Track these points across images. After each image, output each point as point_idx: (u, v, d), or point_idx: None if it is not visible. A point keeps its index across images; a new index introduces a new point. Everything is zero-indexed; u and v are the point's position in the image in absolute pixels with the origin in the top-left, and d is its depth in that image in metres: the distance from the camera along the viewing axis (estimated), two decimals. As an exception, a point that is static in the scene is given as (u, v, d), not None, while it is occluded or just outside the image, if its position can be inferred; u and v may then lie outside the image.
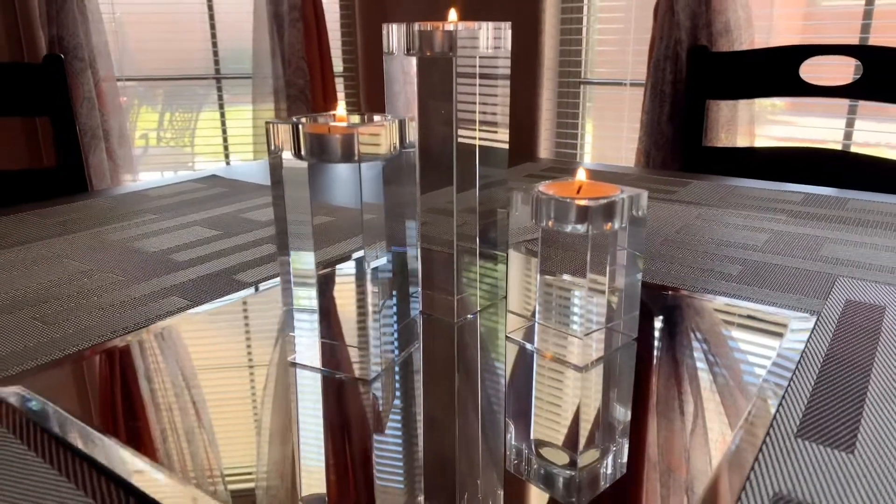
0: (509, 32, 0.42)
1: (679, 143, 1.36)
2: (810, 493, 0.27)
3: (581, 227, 0.36)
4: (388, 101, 0.43)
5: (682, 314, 0.45)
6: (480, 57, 0.40)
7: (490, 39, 0.41)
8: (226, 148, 2.22)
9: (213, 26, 2.07)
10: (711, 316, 0.45)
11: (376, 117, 0.37)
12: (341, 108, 0.36)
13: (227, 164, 2.29)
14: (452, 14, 0.42)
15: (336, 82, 2.00)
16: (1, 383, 0.36)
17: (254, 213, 0.72)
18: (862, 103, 1.43)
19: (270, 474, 0.29)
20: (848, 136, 1.41)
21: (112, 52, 1.82)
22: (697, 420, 0.33)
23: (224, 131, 2.18)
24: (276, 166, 0.35)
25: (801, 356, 0.39)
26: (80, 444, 0.31)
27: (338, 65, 2.09)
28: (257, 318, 0.46)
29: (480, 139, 0.42)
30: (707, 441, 0.31)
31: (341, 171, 0.34)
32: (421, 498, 0.27)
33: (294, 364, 0.38)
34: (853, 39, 1.42)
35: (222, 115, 2.16)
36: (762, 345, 0.41)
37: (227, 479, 0.28)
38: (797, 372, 0.37)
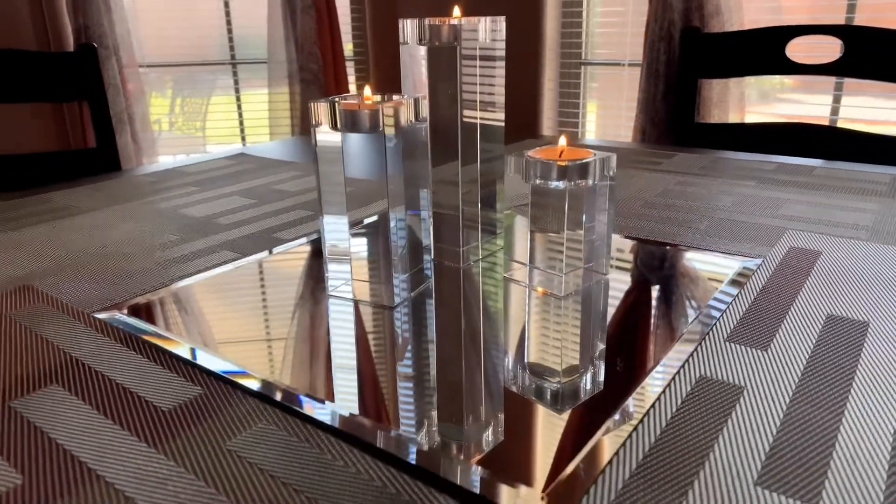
0: (504, 25, 0.51)
1: (673, 120, 1.43)
2: (729, 377, 0.37)
3: (561, 184, 0.45)
4: (403, 83, 0.52)
5: (649, 257, 0.54)
6: (480, 47, 0.49)
7: (488, 31, 0.49)
8: (242, 131, 2.31)
9: (227, 13, 2.15)
10: (673, 258, 0.54)
11: (395, 97, 0.46)
12: (368, 90, 0.45)
13: (244, 146, 2.38)
14: (456, 10, 0.50)
15: (347, 66, 2.08)
16: (105, 310, 0.46)
17: (284, 185, 0.81)
18: (846, 80, 1.49)
19: (306, 369, 0.38)
20: (835, 111, 1.48)
21: (133, 40, 1.91)
22: (652, 332, 0.42)
23: (240, 115, 2.27)
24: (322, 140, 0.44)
25: (743, 287, 0.48)
26: (180, 352, 0.40)
27: (348, 50, 2.17)
28: (301, 263, 0.55)
29: (481, 119, 0.51)
30: (658, 344, 0.40)
31: (369, 144, 0.43)
32: (434, 395, 0.37)
33: (332, 295, 0.48)
34: (839, 19, 1.49)
35: (238, 98, 2.25)
36: (713, 279, 0.50)
37: (286, 371, 0.38)
38: (737, 298, 0.46)
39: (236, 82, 2.21)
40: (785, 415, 0.33)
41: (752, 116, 1.53)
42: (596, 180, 0.46)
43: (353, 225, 0.46)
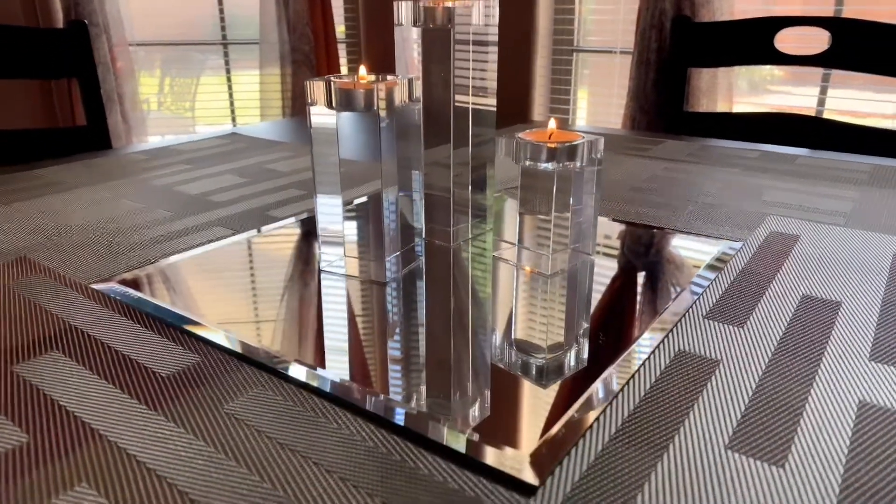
0: (497, 8, 0.52)
1: (662, 107, 1.45)
2: (707, 351, 0.38)
3: (550, 165, 0.46)
4: (397, 64, 0.53)
5: (634, 239, 0.56)
6: (474, 31, 0.50)
7: (481, 15, 0.50)
8: (232, 111, 2.30)
9: (219, -7, 2.13)
10: (658, 241, 0.56)
11: (389, 77, 0.47)
12: (363, 69, 0.46)
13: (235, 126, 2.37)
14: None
15: (339, 48, 2.08)
16: (102, 281, 0.47)
17: (276, 165, 0.82)
18: (834, 73, 1.51)
19: (298, 338, 0.40)
20: (822, 102, 1.50)
21: (123, 19, 1.89)
22: (635, 310, 0.44)
23: (231, 95, 2.25)
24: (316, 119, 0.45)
25: (723, 269, 0.50)
26: (178, 322, 0.41)
27: (340, 31, 2.16)
28: (295, 240, 0.57)
29: (473, 103, 0.52)
30: (640, 321, 0.42)
31: (363, 124, 0.44)
32: (423, 363, 0.38)
33: (324, 271, 0.49)
34: (828, 11, 1.51)
35: (228, 79, 2.23)
36: (695, 260, 0.51)
37: (281, 341, 0.39)
38: (717, 278, 0.48)
39: (227, 63, 2.20)
40: (757, 386, 0.35)
41: (741, 106, 1.55)
42: (584, 162, 0.48)
43: (346, 204, 0.47)
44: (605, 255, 0.53)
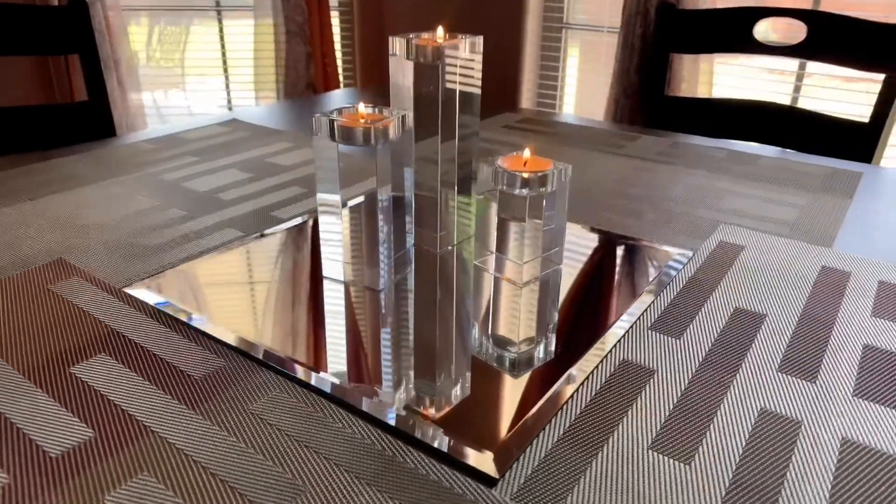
0: (482, 44, 0.58)
1: (645, 91, 1.51)
2: (646, 361, 0.46)
3: (524, 191, 0.53)
4: (392, 94, 0.59)
5: (597, 248, 0.63)
6: (461, 65, 0.56)
7: (468, 51, 0.56)
8: (225, 70, 2.32)
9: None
10: (618, 249, 0.63)
11: (385, 112, 0.53)
12: (362, 106, 0.52)
13: (231, 109, 2.39)
14: (440, 31, 0.57)
15: (332, 17, 2.10)
16: (133, 286, 0.54)
17: (277, 158, 0.88)
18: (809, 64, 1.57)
19: (307, 343, 0.47)
20: (797, 89, 1.56)
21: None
22: (590, 319, 0.51)
23: (223, 52, 2.27)
24: (319, 148, 0.52)
25: (674, 279, 0.57)
26: (194, 322, 0.49)
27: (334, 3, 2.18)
28: (299, 242, 0.63)
29: (460, 97, 0.58)
30: (594, 331, 0.49)
31: (363, 152, 0.51)
32: (414, 360, 0.46)
33: (326, 277, 0.56)
34: (807, 4, 1.55)
35: (223, 54, 2.25)
36: (649, 269, 0.59)
37: (292, 345, 0.47)
38: (667, 288, 0.56)
39: (221, 31, 2.21)
40: (682, 394, 0.43)
41: (720, 89, 1.61)
42: (554, 187, 0.55)
43: (345, 204, 0.53)
44: (571, 263, 0.60)
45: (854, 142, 1.18)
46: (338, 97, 1.27)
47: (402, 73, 0.57)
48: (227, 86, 2.40)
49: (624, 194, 0.78)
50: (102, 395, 0.41)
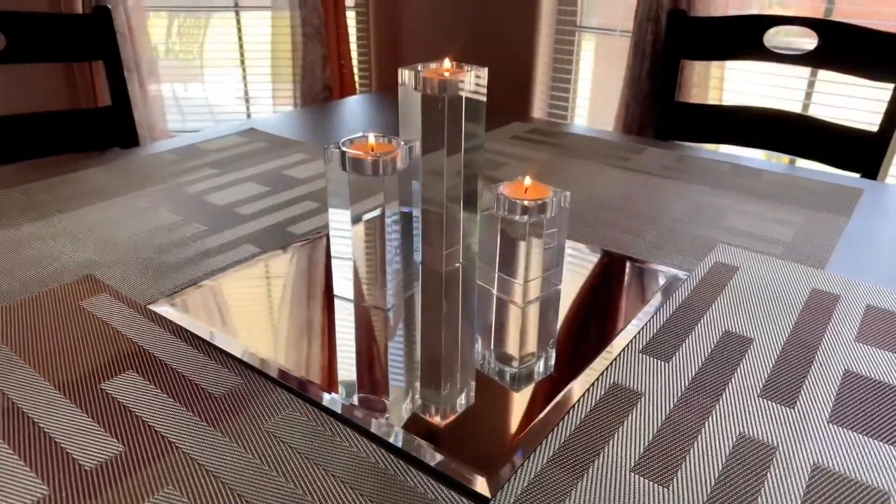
0: (486, 76, 0.61)
1: (655, 97, 1.52)
2: (635, 385, 0.49)
3: (524, 218, 0.56)
4: (401, 120, 0.62)
5: (595, 268, 0.66)
6: (466, 96, 0.59)
7: (472, 83, 0.59)
8: (243, 62, 2.35)
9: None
10: (615, 269, 0.66)
11: (393, 141, 0.56)
12: (371, 138, 0.56)
13: (246, 92, 2.44)
14: (447, 62, 0.60)
15: (348, 17, 2.12)
16: (157, 303, 0.58)
17: (293, 171, 0.91)
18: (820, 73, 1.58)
19: (317, 363, 0.51)
20: (808, 96, 1.57)
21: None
22: (587, 339, 0.54)
23: (241, 43, 2.31)
24: (332, 180, 0.55)
25: (668, 300, 0.60)
26: (213, 340, 0.52)
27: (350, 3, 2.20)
28: (312, 260, 0.67)
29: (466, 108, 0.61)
30: (587, 354, 0.52)
31: (372, 181, 0.54)
32: (418, 381, 0.49)
33: (336, 296, 0.60)
34: (819, 11, 1.56)
35: (241, 46, 2.29)
36: (645, 290, 0.62)
37: (292, 362, 0.50)
38: (661, 310, 0.59)
39: (239, 31, 2.25)
40: (666, 418, 0.46)
41: (730, 95, 1.62)
42: (553, 213, 0.58)
43: (355, 221, 0.56)
44: (570, 283, 0.63)
45: (862, 151, 1.19)
46: (354, 104, 1.30)
47: (409, 102, 0.60)
48: (245, 78, 2.44)
49: (626, 211, 0.80)
50: (131, 411, 0.45)
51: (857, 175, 1.18)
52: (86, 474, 0.40)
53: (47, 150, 1.21)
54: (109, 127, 1.29)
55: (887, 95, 1.16)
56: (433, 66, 0.62)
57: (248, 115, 2.46)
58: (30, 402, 0.46)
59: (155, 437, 0.43)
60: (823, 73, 1.58)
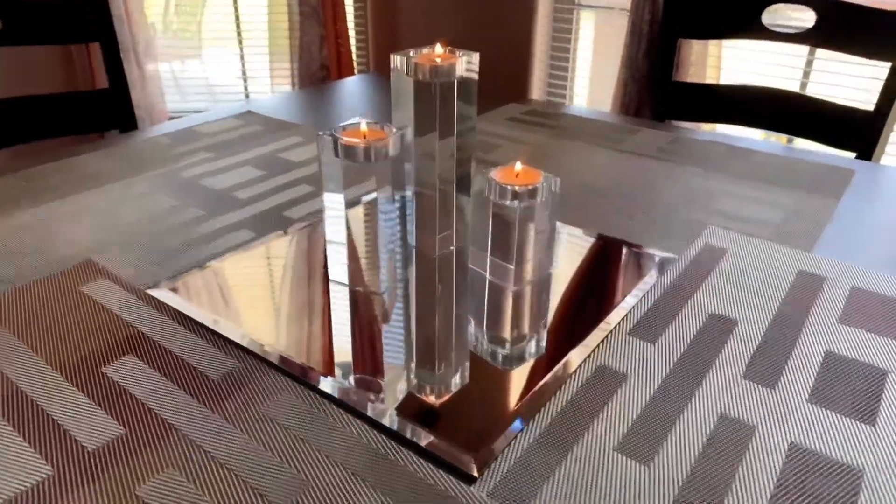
0: (477, 60, 0.61)
1: (652, 76, 1.52)
2: (620, 366, 0.50)
3: (515, 203, 0.57)
4: (393, 105, 0.62)
5: (586, 251, 0.67)
6: (457, 80, 0.59)
7: (464, 69, 0.60)
8: (239, 39, 2.34)
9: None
10: (606, 253, 0.67)
11: (385, 128, 0.57)
12: (364, 125, 0.56)
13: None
14: (439, 48, 0.61)
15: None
16: (155, 287, 0.59)
17: (289, 154, 0.92)
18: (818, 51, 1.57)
19: (311, 347, 0.52)
20: (806, 75, 1.57)
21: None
22: (577, 321, 0.56)
23: (238, 32, 2.30)
24: (327, 164, 0.56)
25: (656, 283, 0.61)
26: (209, 324, 0.54)
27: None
28: (307, 245, 0.68)
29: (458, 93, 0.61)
30: (575, 335, 0.54)
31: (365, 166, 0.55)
32: (412, 362, 0.50)
33: (332, 280, 0.61)
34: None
35: (237, 24, 2.27)
36: (634, 273, 0.63)
37: (299, 348, 0.52)
38: (649, 293, 0.60)
39: (236, 8, 2.23)
40: (650, 399, 0.47)
41: (728, 73, 1.61)
42: (543, 198, 0.58)
43: (348, 206, 0.57)
44: (562, 267, 0.64)
45: (858, 130, 1.19)
46: (351, 85, 1.30)
47: (402, 88, 0.61)
48: (242, 57, 2.43)
49: (618, 194, 0.81)
50: (131, 394, 0.47)
51: (853, 154, 1.18)
52: (88, 455, 0.41)
53: (45, 133, 1.21)
54: (107, 109, 1.29)
55: (885, 74, 1.16)
56: (425, 51, 0.62)
57: (247, 94, 2.46)
58: (33, 385, 0.47)
59: (155, 419, 0.44)
60: (822, 52, 1.57)
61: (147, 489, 0.39)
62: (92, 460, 0.41)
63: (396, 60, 0.60)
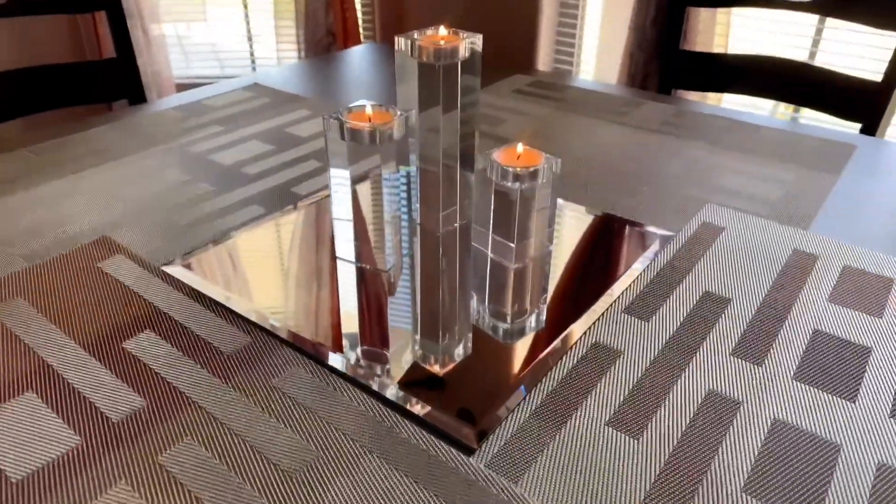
0: (481, 41, 0.62)
1: (660, 45, 1.51)
2: (615, 343, 0.53)
3: (516, 185, 0.59)
4: (398, 85, 0.63)
5: (585, 229, 0.69)
6: (461, 61, 0.61)
7: (467, 50, 0.61)
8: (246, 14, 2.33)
9: None
10: (606, 230, 0.69)
11: (390, 110, 0.58)
12: (369, 108, 0.58)
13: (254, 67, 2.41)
14: (442, 30, 0.62)
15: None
16: (170, 264, 0.61)
17: (296, 128, 0.93)
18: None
19: (319, 323, 0.54)
20: (816, 44, 1.55)
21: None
22: (574, 298, 0.58)
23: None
24: (331, 143, 0.57)
25: (653, 261, 0.63)
26: (222, 301, 0.56)
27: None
28: (316, 221, 0.70)
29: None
30: (572, 312, 0.56)
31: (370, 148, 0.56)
32: (418, 333, 0.53)
33: (339, 258, 0.63)
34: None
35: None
36: (633, 251, 0.65)
37: (297, 322, 0.54)
38: (645, 271, 0.62)
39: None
40: (642, 375, 0.49)
41: (736, 42, 1.60)
42: (544, 179, 0.60)
43: (355, 181, 0.59)
44: (561, 244, 0.66)
45: (866, 101, 1.19)
46: (357, 55, 1.30)
47: (406, 68, 0.62)
48: (247, 17, 2.42)
49: (620, 170, 0.82)
50: (150, 368, 0.49)
51: (858, 125, 1.18)
52: (113, 426, 0.44)
53: (54, 103, 1.22)
54: (115, 79, 1.30)
55: (894, 44, 1.15)
56: (429, 32, 0.63)
57: (253, 59, 2.44)
58: (59, 360, 0.50)
59: (173, 392, 0.47)
60: (831, 21, 1.55)
61: (167, 457, 0.42)
62: (116, 431, 0.44)
63: (400, 42, 0.61)
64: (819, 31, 1.55)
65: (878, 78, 1.16)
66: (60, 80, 1.22)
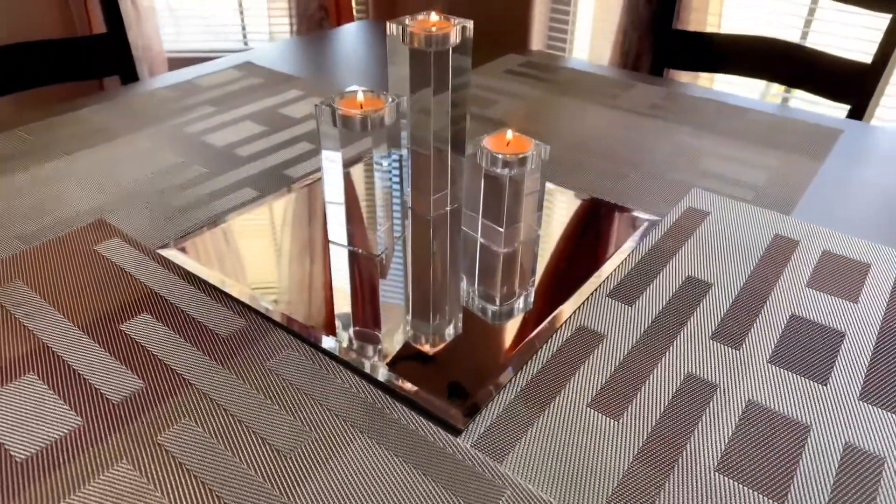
0: (472, 27, 0.63)
1: (653, 23, 1.51)
2: (598, 327, 0.55)
3: (505, 171, 0.60)
4: (389, 70, 0.64)
5: (573, 213, 0.70)
6: (452, 47, 0.61)
7: (458, 36, 0.61)
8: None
9: None
10: (593, 215, 0.70)
11: (382, 96, 0.59)
12: (360, 94, 0.59)
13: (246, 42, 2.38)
14: (434, 16, 0.62)
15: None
16: (165, 247, 0.63)
17: (288, 109, 0.94)
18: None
19: (312, 306, 0.56)
20: (808, 24, 1.55)
21: None
22: (560, 283, 0.59)
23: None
24: (324, 131, 0.58)
25: (638, 245, 0.65)
26: (217, 284, 0.58)
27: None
28: (309, 204, 0.71)
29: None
30: (558, 297, 0.58)
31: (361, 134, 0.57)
32: (409, 316, 0.54)
33: (331, 241, 0.64)
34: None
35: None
36: (619, 235, 0.66)
37: (290, 305, 0.55)
38: (630, 256, 0.63)
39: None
40: (624, 358, 0.51)
41: (729, 21, 1.60)
42: (534, 166, 0.61)
43: (347, 165, 0.60)
44: (549, 229, 0.68)
45: (855, 82, 1.20)
46: (349, 33, 1.30)
47: (397, 54, 0.63)
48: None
49: (608, 154, 0.83)
50: (148, 350, 0.51)
51: (847, 107, 1.19)
52: (113, 407, 0.46)
53: (45, 79, 1.22)
54: (106, 55, 1.30)
55: (885, 26, 1.16)
56: (420, 17, 0.63)
57: (244, 32, 2.42)
58: (59, 342, 0.52)
59: (171, 374, 0.49)
60: (824, 1, 1.55)
61: (166, 437, 0.44)
62: (116, 412, 0.46)
63: (392, 28, 0.62)
64: (812, 12, 1.55)
65: (868, 59, 1.17)
66: (51, 57, 1.22)
